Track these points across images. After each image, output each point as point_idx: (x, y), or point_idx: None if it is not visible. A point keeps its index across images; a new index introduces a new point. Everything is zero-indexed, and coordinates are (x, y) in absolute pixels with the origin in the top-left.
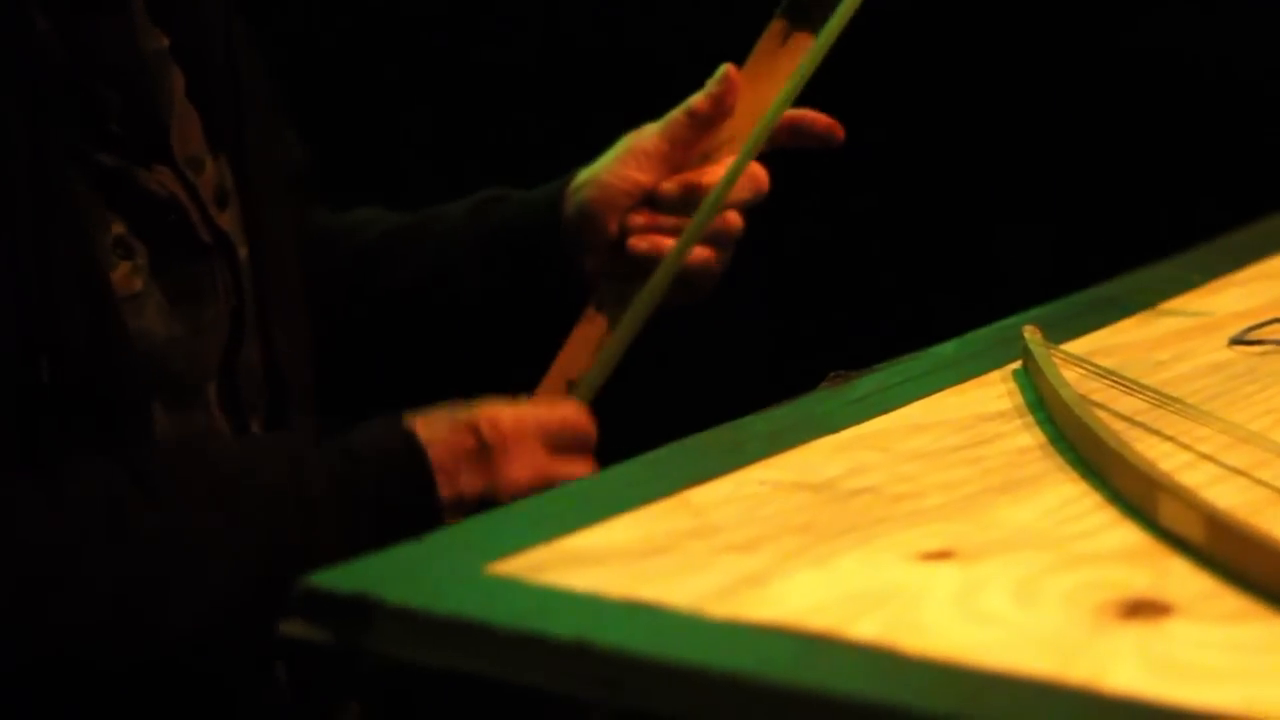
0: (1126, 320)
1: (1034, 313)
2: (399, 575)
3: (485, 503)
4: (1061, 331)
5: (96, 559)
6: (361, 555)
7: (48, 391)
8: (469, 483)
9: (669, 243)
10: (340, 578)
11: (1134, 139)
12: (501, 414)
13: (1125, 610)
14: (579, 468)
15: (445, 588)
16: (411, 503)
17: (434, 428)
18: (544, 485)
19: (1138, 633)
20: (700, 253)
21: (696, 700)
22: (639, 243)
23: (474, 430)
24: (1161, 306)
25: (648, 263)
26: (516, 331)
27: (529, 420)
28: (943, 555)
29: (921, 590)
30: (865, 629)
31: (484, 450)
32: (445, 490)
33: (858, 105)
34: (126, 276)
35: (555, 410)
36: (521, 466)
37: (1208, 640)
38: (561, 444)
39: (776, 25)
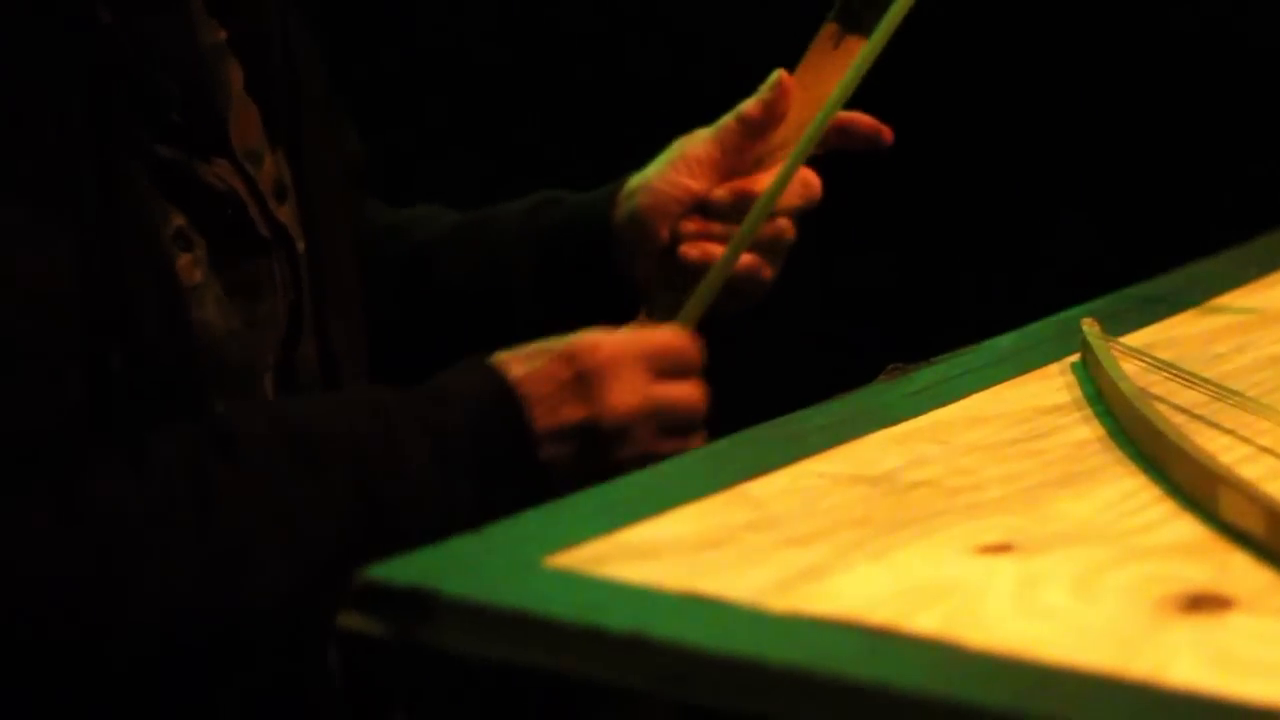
0: (1184, 314)
1: (1092, 305)
2: (457, 568)
3: (589, 432)
4: (1119, 325)
5: (183, 529)
6: (456, 504)
7: (118, 381)
8: (570, 413)
9: (720, 250)
10: (398, 570)
11: (1189, 131)
12: (600, 341)
13: (1186, 604)
14: (685, 390)
15: (503, 580)
16: (507, 438)
17: (530, 361)
18: (650, 411)
19: (1198, 627)
20: (750, 260)
21: (755, 694)
22: (690, 250)
23: (571, 360)
24: (1219, 300)
25: (699, 270)
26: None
27: (629, 346)
28: (1002, 548)
29: (981, 584)
30: (925, 622)
31: (583, 379)
32: (544, 421)
33: (909, 100)
34: (187, 268)
35: (655, 334)
36: (624, 393)
37: (1269, 634)
38: (665, 368)
39: (828, 29)
